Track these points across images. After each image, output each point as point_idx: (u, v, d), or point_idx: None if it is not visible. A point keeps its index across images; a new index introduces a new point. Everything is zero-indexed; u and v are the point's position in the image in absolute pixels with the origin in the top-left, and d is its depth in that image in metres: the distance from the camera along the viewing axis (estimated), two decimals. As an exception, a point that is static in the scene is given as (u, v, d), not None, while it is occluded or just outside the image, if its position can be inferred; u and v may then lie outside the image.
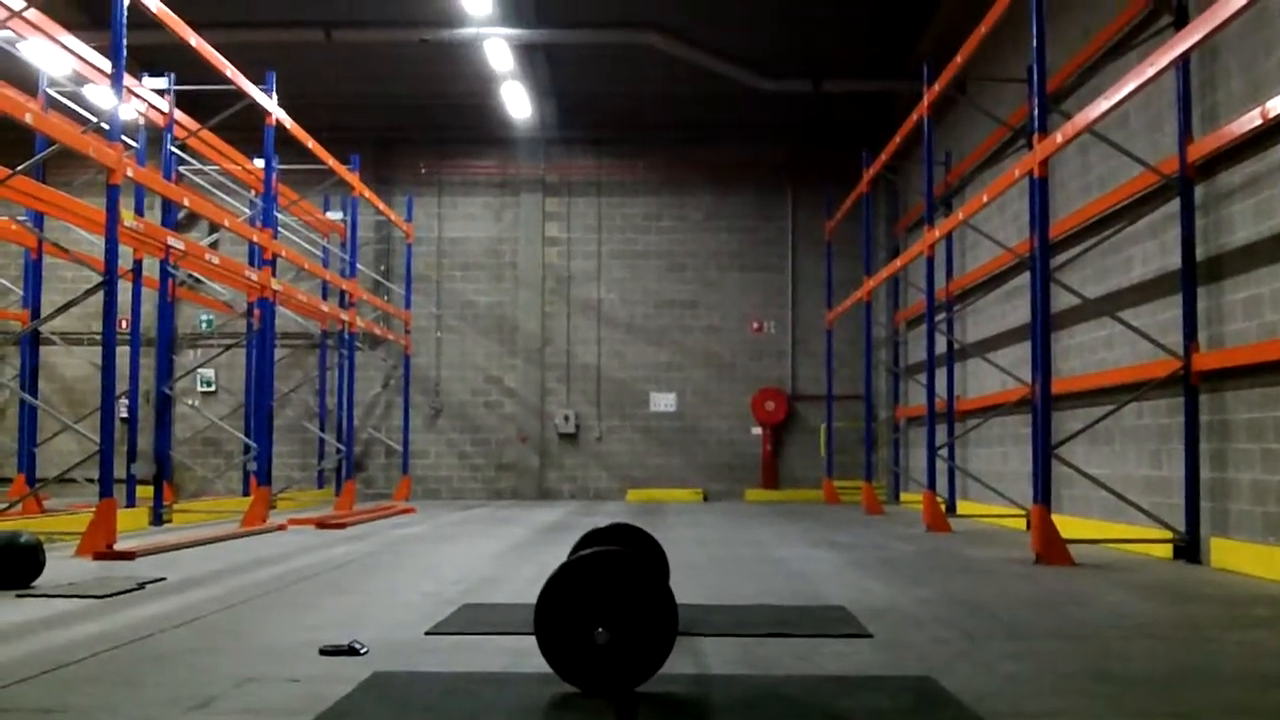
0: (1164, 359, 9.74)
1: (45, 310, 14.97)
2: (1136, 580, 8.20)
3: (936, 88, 13.42)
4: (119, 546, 9.62)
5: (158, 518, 13.28)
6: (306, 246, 20.40)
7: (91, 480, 11.26)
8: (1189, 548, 9.34)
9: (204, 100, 15.56)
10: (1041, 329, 9.83)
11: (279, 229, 15.91)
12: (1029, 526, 10.59)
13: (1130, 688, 4.51)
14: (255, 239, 14.49)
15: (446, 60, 19.33)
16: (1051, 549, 9.24)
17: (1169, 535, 9.58)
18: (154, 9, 11.21)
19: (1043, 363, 9.81)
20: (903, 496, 20.39)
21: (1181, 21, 9.44)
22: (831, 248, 20.86)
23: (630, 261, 22.23)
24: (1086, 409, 11.51)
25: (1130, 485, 10.60)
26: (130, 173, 10.58)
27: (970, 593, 7.49)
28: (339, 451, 19.39)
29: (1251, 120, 8.36)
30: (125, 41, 10.42)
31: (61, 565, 8.64)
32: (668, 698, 4.26)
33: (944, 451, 15.31)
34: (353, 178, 17.94)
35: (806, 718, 3.95)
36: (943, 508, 13.96)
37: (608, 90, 21.11)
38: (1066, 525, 10.01)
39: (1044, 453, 9.65)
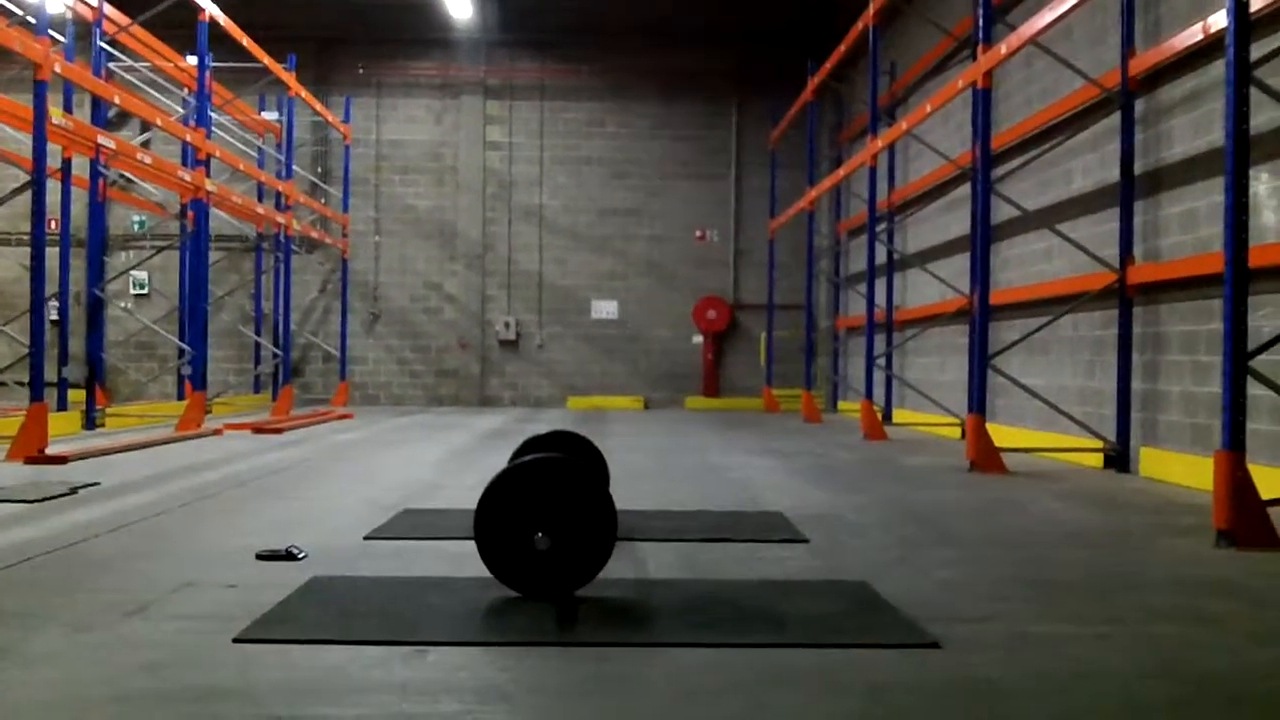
0: (1100, 271, 9.85)
1: (-31, 209, 14.54)
2: (1068, 489, 8.38)
3: (884, -5, 13.29)
4: (51, 451, 9.50)
5: (90, 422, 13.09)
6: (241, 147, 19.92)
7: (22, 384, 11.07)
8: (1119, 457, 9.55)
9: (133, -7, 15.00)
10: (982, 240, 9.90)
11: (213, 129, 15.51)
12: (964, 435, 10.76)
13: (1062, 593, 4.62)
14: (188, 138, 14.11)
15: (385, -44, 18.78)
16: (986, 457, 9.42)
17: (1100, 445, 9.78)
18: (78, -106, 10.75)
19: (982, 274, 9.90)
20: (841, 405, 20.62)
21: (1130, -68, 9.38)
22: (776, 157, 20.77)
23: (573, 167, 21.97)
24: (1024, 320, 11.65)
25: (1064, 396, 10.79)
26: (58, 68, 10.23)
27: (905, 500, 7.63)
28: (275, 356, 19.20)
29: (1193, 35, 8.37)
30: (47, -72, 9.99)
31: (-8, 470, 8.52)
32: (608, 601, 4.29)
33: (882, 361, 15.47)
34: (289, 77, 17.48)
35: (745, 621, 4.01)
36: (880, 416, 14.15)
37: (552, -10, 20.65)
38: (1001, 434, 10.19)
39: (981, 363, 9.78)
